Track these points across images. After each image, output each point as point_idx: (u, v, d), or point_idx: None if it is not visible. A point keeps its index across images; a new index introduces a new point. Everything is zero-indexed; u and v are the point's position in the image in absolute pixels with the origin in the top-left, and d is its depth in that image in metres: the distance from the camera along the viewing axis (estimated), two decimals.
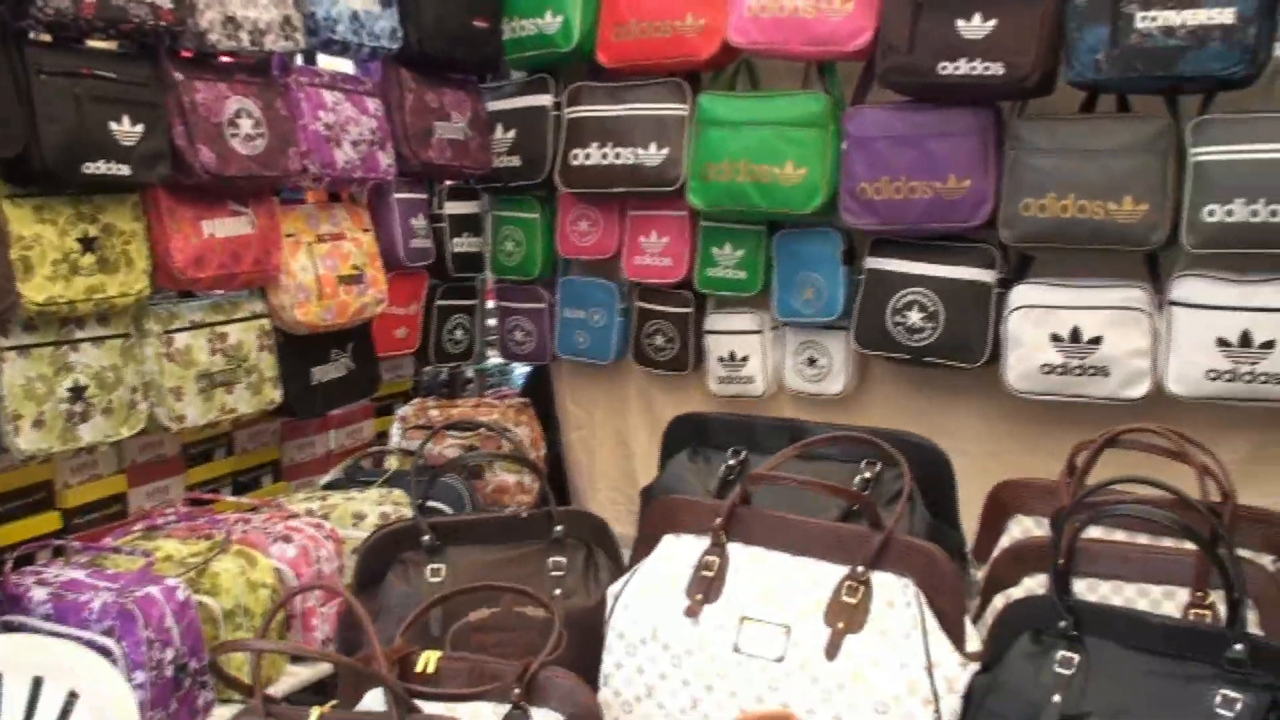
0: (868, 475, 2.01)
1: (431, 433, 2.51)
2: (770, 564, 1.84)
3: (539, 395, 3.76)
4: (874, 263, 2.99)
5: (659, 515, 1.98)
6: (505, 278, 3.74)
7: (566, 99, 3.40)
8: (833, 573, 1.79)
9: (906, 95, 2.86)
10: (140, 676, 2.03)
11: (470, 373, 4.08)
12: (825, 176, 2.97)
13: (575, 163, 3.35)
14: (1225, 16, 2.38)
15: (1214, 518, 1.68)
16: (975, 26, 2.65)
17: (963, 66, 2.66)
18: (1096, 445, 1.93)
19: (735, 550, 1.87)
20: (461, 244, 3.55)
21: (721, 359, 3.31)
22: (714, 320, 3.34)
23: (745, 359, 3.27)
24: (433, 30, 3.14)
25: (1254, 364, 2.49)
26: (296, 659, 2.43)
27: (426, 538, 2.04)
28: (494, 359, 4.15)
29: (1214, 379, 2.54)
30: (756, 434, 2.18)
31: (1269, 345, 2.47)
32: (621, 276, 3.49)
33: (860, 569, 1.76)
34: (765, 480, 1.90)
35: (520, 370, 4.24)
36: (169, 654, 2.09)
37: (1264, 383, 2.49)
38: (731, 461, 2.17)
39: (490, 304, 3.91)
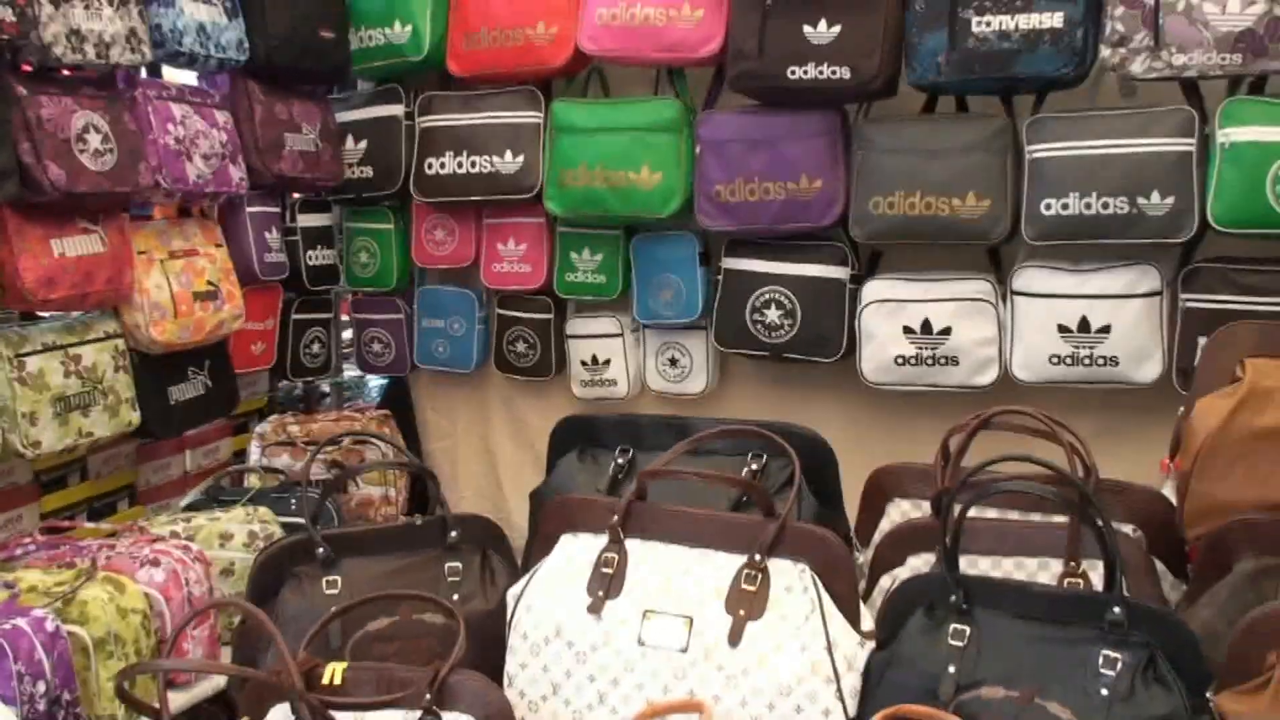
0: (755, 467, 2.07)
1: (318, 448, 2.47)
2: (669, 557, 1.88)
3: (397, 407, 3.72)
4: (731, 263, 3.06)
5: (555, 515, 1.99)
6: (361, 289, 3.69)
7: (418, 108, 3.38)
8: (731, 562, 1.83)
9: (756, 99, 2.94)
10: (11, 714, 1.95)
11: (326, 386, 4.01)
12: (681, 180, 3.03)
13: (430, 172, 3.33)
14: (1055, 21, 2.53)
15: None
16: (821, 33, 2.74)
17: (811, 71, 2.75)
18: (971, 428, 2.02)
19: (634, 546, 1.90)
20: (316, 257, 3.49)
21: (584, 363, 3.35)
22: (575, 325, 3.37)
23: (607, 362, 3.31)
24: (281, 41, 3.08)
25: (1092, 348, 2.65)
26: (170, 685, 2.37)
27: (321, 550, 2.02)
28: (350, 372, 4.09)
29: (1056, 364, 2.69)
30: (643, 432, 2.22)
31: (1105, 330, 2.63)
32: (480, 284, 3.49)
33: (758, 557, 1.81)
34: (661, 475, 1.94)
35: (376, 383, 4.19)
36: (41, 687, 2.02)
37: (1102, 365, 2.65)
38: (620, 460, 2.20)
39: (345, 317, 3.86)
